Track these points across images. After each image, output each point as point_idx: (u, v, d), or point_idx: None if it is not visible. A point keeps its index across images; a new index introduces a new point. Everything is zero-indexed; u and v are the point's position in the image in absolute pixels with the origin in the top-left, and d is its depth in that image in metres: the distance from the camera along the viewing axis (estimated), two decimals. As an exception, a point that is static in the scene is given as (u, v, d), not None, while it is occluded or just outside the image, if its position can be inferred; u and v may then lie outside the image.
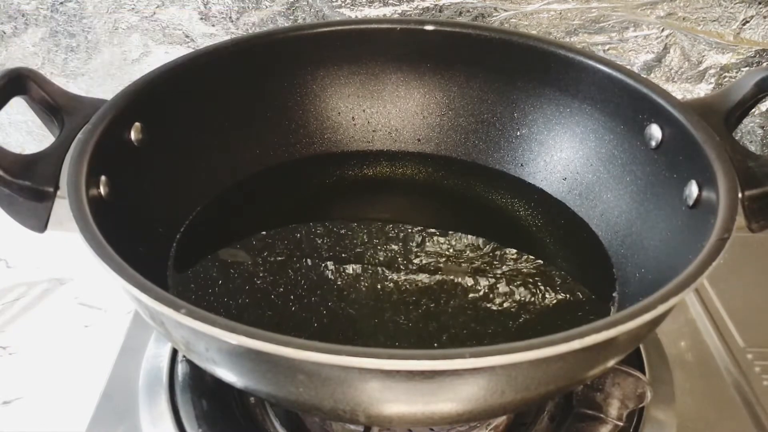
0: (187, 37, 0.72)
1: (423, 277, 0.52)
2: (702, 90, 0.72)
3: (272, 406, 0.51)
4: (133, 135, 0.51)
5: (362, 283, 0.51)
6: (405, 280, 0.52)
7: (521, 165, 0.62)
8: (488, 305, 0.50)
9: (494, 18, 0.69)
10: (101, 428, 0.50)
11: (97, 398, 0.52)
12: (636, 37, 0.70)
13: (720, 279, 0.64)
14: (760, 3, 0.68)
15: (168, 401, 0.50)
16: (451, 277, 0.52)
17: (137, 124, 0.51)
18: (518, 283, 0.52)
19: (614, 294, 0.51)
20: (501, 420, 0.50)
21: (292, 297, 0.50)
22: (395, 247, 0.55)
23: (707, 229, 0.41)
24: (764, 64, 0.70)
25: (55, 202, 0.44)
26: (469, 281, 0.52)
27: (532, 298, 0.51)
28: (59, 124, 0.48)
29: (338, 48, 0.62)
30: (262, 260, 0.53)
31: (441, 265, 0.53)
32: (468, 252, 0.54)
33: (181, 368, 0.53)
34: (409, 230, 0.56)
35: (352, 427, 0.49)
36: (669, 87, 0.71)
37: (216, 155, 0.58)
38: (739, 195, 0.43)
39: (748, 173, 0.45)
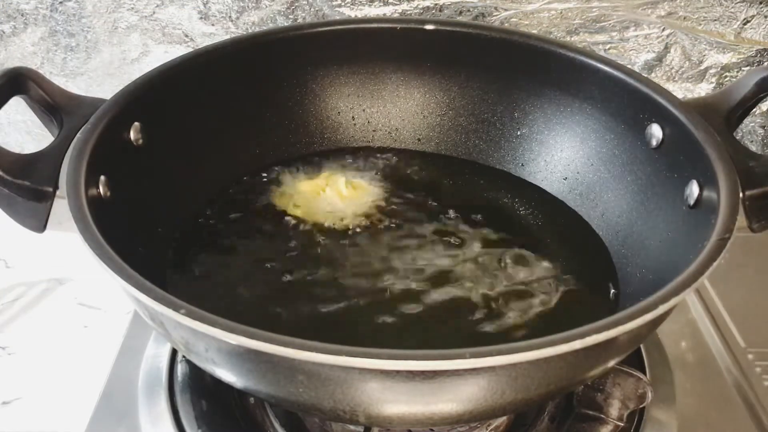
0: (186, 36, 0.72)
1: (423, 276, 0.52)
2: (703, 89, 0.72)
3: (272, 406, 0.51)
4: (132, 135, 0.50)
5: (362, 283, 0.51)
6: (405, 279, 0.52)
7: (522, 165, 0.61)
8: (488, 305, 0.50)
9: (494, 17, 0.69)
10: (101, 428, 0.50)
11: (96, 398, 0.52)
12: (637, 36, 0.70)
13: (721, 279, 0.64)
14: (761, 2, 0.68)
15: (167, 401, 0.50)
16: (450, 276, 0.52)
17: (136, 123, 0.51)
18: (518, 282, 0.52)
19: (615, 294, 0.51)
20: (501, 420, 0.50)
21: (291, 296, 0.50)
22: (395, 247, 0.55)
23: (708, 229, 0.41)
24: (765, 63, 0.70)
25: (55, 202, 0.44)
26: (468, 280, 0.52)
27: (533, 298, 0.50)
28: (58, 124, 0.48)
29: (338, 47, 0.62)
30: (261, 260, 0.53)
31: (441, 264, 0.53)
32: (468, 252, 0.54)
33: (180, 368, 0.53)
34: (409, 230, 0.56)
35: (352, 427, 0.49)
36: (670, 86, 0.71)
37: (216, 155, 0.58)
38: (740, 195, 0.43)
39: (748, 173, 0.45)
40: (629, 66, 0.62)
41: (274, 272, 0.52)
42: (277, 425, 0.50)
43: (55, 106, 0.48)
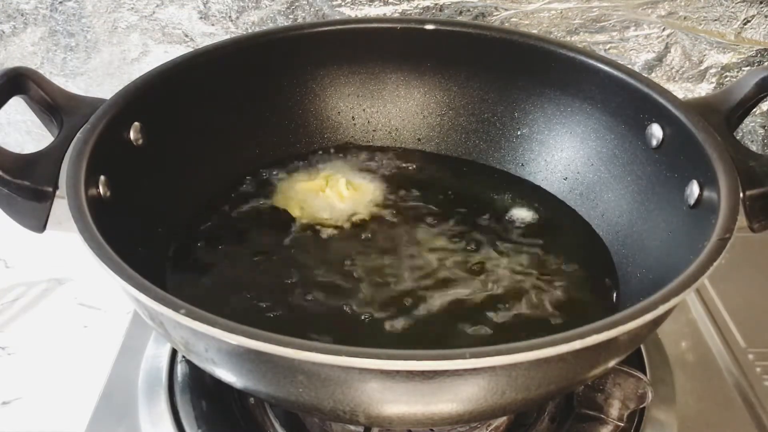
0: (186, 36, 0.72)
1: (423, 275, 0.52)
2: (703, 89, 0.72)
3: (272, 406, 0.51)
4: (132, 135, 0.50)
5: (362, 283, 0.51)
6: (405, 278, 0.51)
7: (522, 165, 0.61)
8: (488, 305, 0.50)
9: (495, 17, 0.69)
10: (101, 428, 0.50)
11: (96, 398, 0.52)
12: (637, 36, 0.70)
13: (721, 279, 0.64)
14: (761, 2, 0.68)
15: (167, 402, 0.50)
16: (451, 276, 0.52)
17: (136, 123, 0.51)
18: (518, 282, 0.52)
19: (615, 294, 0.51)
20: (501, 421, 0.50)
21: (291, 296, 0.50)
22: (395, 246, 0.55)
23: (708, 229, 0.41)
24: (765, 63, 0.70)
25: (55, 202, 0.44)
26: (469, 281, 0.52)
27: (533, 298, 0.50)
28: (58, 124, 0.48)
29: (338, 47, 0.62)
30: (261, 260, 0.53)
31: (441, 263, 0.53)
32: (468, 252, 0.54)
33: (180, 369, 0.52)
34: (409, 229, 0.56)
35: (352, 427, 0.49)
36: (670, 86, 0.71)
37: (215, 155, 0.58)
38: (741, 195, 0.43)
39: (749, 173, 0.45)
40: (629, 66, 0.62)
41: (273, 272, 0.52)
42: (277, 425, 0.50)
43: (55, 106, 0.48)
